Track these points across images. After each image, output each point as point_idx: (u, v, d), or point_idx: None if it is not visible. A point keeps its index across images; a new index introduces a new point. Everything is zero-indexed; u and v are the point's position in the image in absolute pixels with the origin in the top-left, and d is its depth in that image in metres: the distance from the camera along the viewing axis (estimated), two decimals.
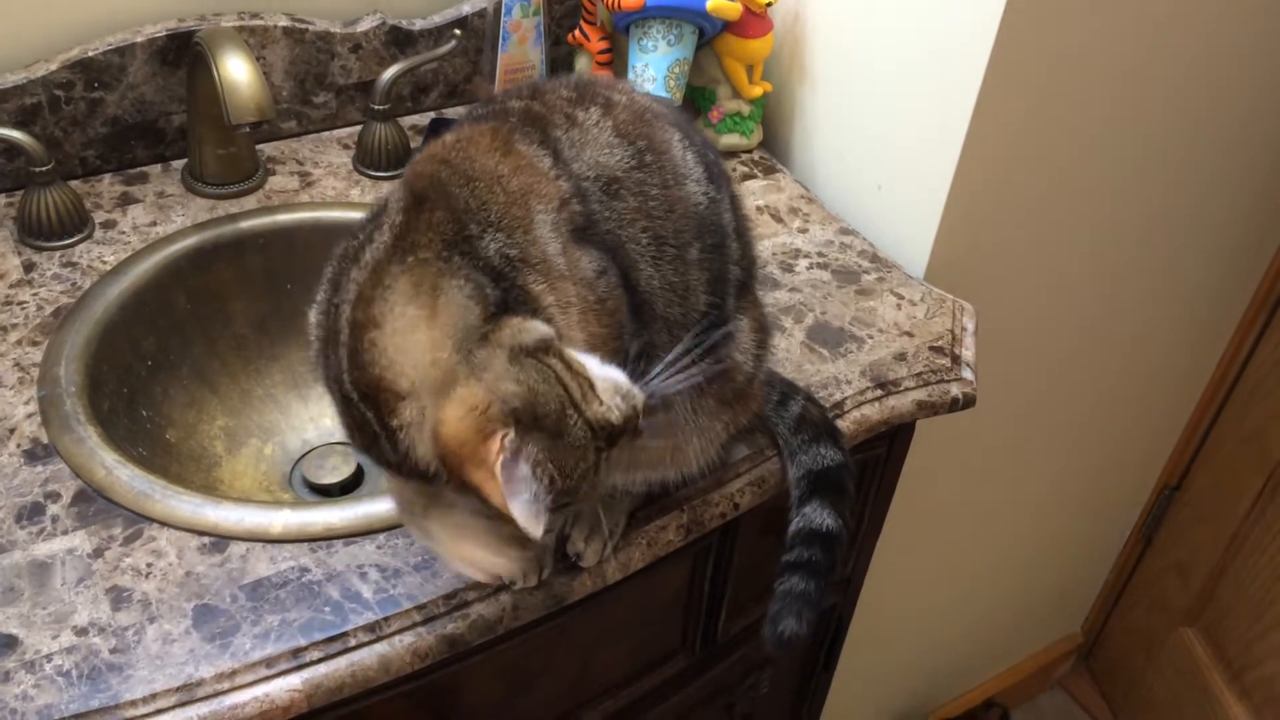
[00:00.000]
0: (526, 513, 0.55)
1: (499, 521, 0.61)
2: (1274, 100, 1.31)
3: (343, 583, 0.75)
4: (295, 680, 0.70)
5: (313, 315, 0.65)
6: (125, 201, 1.07)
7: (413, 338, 0.57)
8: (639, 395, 0.59)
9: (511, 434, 0.55)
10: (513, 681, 0.89)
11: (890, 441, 1.05)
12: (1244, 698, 1.72)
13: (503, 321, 0.57)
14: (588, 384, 0.58)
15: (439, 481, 0.59)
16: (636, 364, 0.67)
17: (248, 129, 0.95)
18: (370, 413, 0.59)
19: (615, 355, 0.65)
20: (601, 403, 0.58)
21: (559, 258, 0.62)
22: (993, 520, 1.65)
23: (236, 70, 0.94)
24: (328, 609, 0.73)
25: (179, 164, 1.11)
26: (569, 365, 0.58)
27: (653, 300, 0.69)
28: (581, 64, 1.25)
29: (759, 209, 1.16)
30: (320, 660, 0.71)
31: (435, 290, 0.57)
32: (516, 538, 0.66)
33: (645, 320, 0.68)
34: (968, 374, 0.99)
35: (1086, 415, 1.59)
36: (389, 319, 0.58)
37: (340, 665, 0.71)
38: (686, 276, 0.70)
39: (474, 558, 0.69)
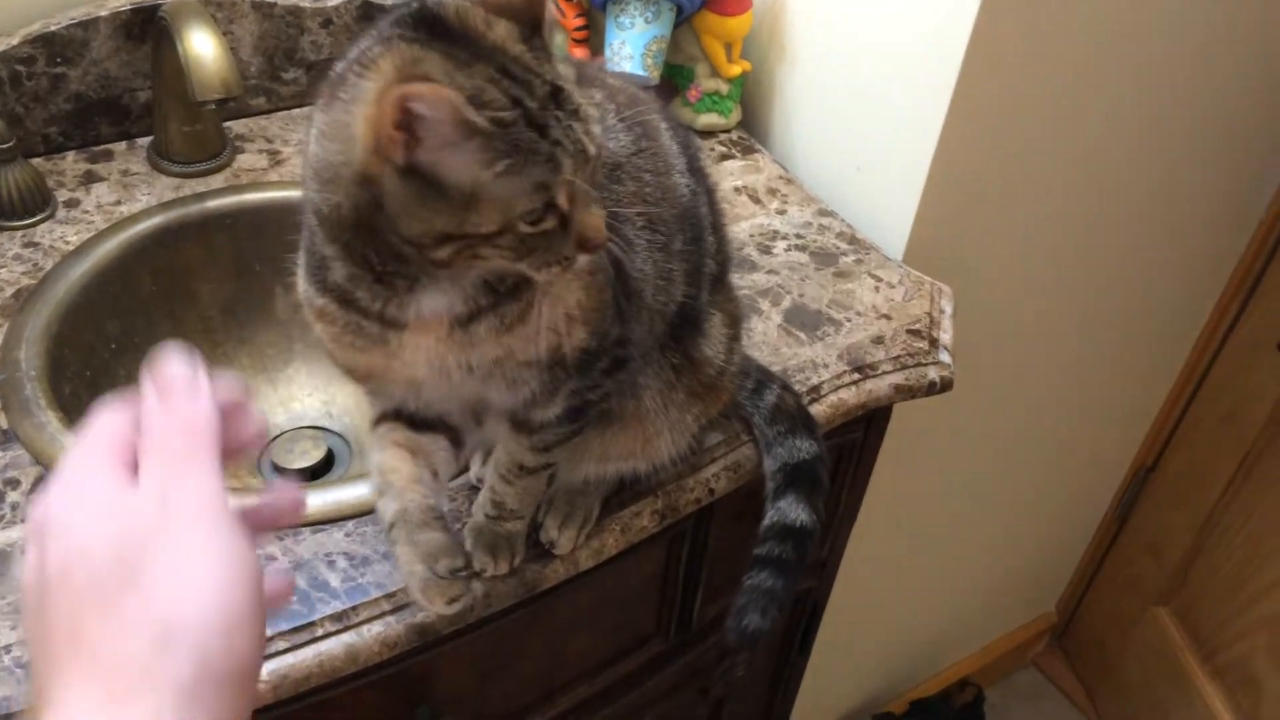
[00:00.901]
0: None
1: None
2: (1252, 84, 1.31)
3: (310, 571, 0.74)
4: (261, 671, 0.68)
5: None
6: (89, 180, 1.04)
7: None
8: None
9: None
10: (485, 669, 0.88)
11: (867, 425, 1.04)
12: (1216, 678, 1.74)
13: None
14: None
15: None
16: (613, 354, 0.66)
17: (214, 106, 0.93)
18: None
19: (596, 335, 0.64)
20: None
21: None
22: (968, 501, 1.65)
23: (202, 45, 0.91)
24: (294, 598, 0.72)
25: (144, 141, 1.09)
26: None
27: (643, 288, 0.68)
28: (557, 41, 1.23)
29: (737, 190, 1.15)
30: (286, 650, 0.70)
31: None
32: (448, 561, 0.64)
33: (633, 311, 0.68)
34: (945, 357, 0.98)
35: (1062, 397, 1.59)
36: None
37: (307, 655, 0.70)
38: (670, 266, 0.70)
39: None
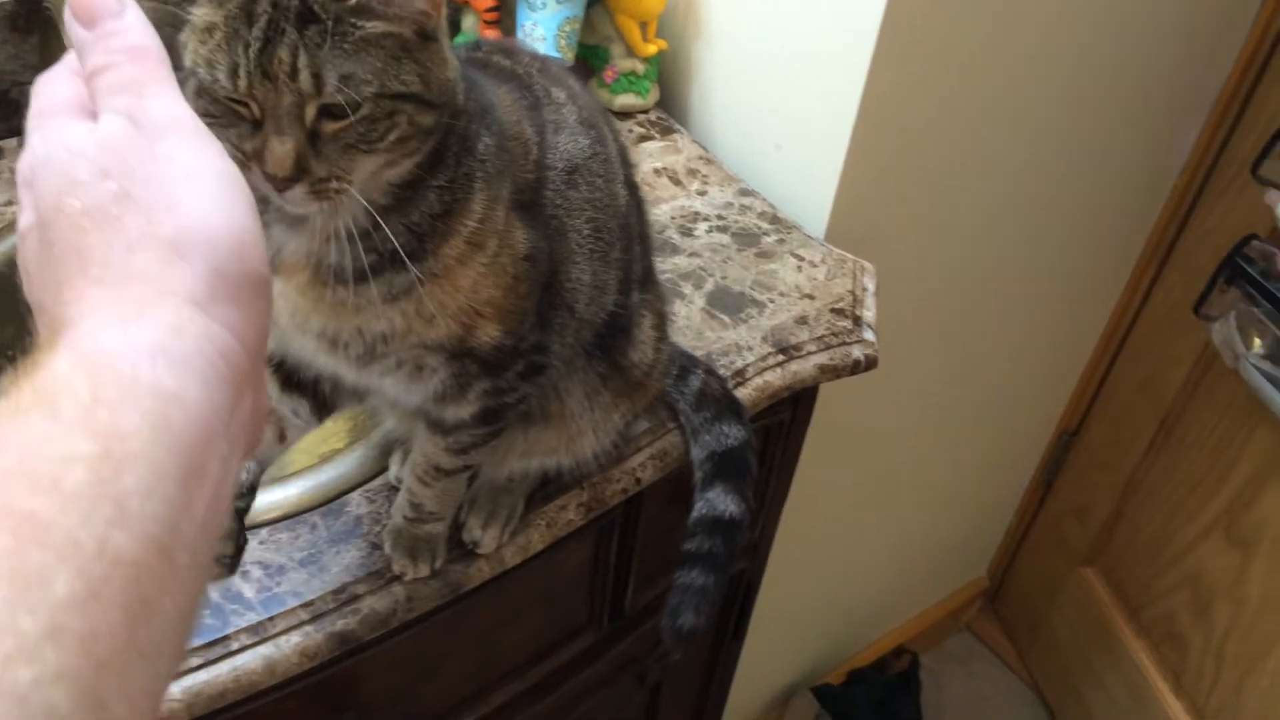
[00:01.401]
0: None
1: None
2: (1162, 54, 1.32)
3: (222, 583, 0.71)
4: (173, 689, 0.66)
5: None
6: None
7: None
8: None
9: None
10: (412, 670, 0.86)
11: (794, 406, 1.03)
12: (1142, 634, 1.78)
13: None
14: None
15: None
16: (530, 359, 0.65)
17: None
18: None
19: (511, 335, 0.62)
20: None
21: (502, 213, 0.60)
22: (898, 474, 1.67)
23: None
24: (206, 612, 0.69)
25: None
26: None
27: (576, 298, 0.67)
28: (468, 23, 1.20)
29: (657, 171, 1.13)
30: (200, 667, 0.67)
31: None
32: None
33: (560, 320, 0.66)
34: (869, 335, 0.98)
35: (986, 367, 1.61)
36: None
37: (222, 671, 0.67)
38: (605, 276, 0.70)
39: None
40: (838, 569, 1.74)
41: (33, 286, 0.39)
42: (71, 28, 0.41)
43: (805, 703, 1.85)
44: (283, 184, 0.49)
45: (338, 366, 0.62)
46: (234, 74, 0.47)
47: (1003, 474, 1.95)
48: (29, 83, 1.04)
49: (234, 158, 0.42)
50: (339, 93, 0.48)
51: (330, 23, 0.47)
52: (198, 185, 0.38)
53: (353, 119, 0.49)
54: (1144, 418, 1.70)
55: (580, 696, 1.07)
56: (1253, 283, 1.34)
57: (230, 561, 0.63)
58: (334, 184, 0.50)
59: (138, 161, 0.38)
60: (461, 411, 0.64)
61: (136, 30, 0.41)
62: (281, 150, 0.48)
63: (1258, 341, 1.35)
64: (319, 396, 0.68)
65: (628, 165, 0.75)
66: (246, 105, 0.48)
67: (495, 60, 0.68)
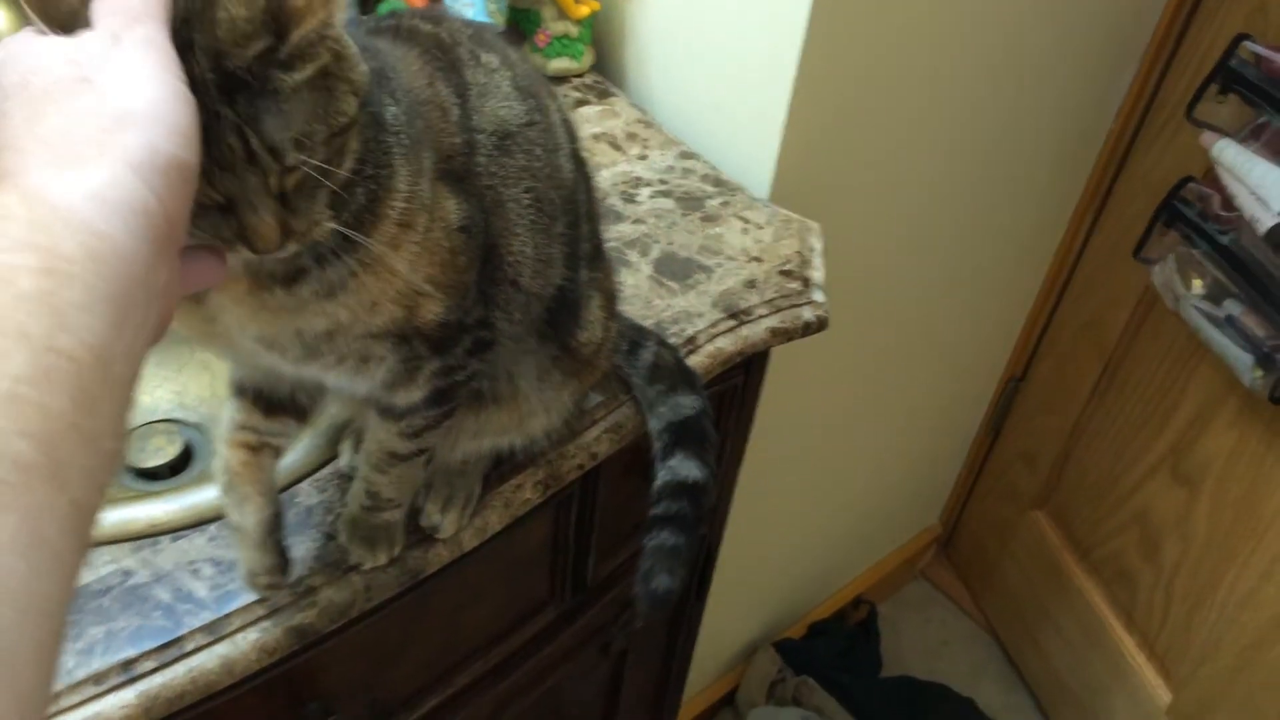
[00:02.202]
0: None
1: None
2: (1095, 3, 1.32)
3: (173, 583, 0.69)
4: (129, 695, 0.64)
5: None
6: None
7: None
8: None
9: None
10: (374, 658, 0.85)
11: (746, 370, 1.03)
12: (1093, 574, 1.81)
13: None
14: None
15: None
16: (476, 334, 0.63)
17: None
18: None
19: (454, 311, 0.60)
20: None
21: (428, 186, 0.57)
22: (849, 427, 1.67)
23: None
24: (158, 613, 0.68)
25: None
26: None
27: (520, 270, 0.65)
28: None
29: (595, 137, 1.11)
30: (155, 670, 0.65)
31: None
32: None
33: (504, 294, 0.64)
34: (819, 296, 0.98)
35: (930, 317, 1.62)
36: None
37: (178, 673, 0.66)
38: (550, 250, 0.68)
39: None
40: (793, 525, 1.75)
41: None
42: None
43: (767, 658, 1.87)
44: (259, 251, 0.49)
45: (277, 365, 0.60)
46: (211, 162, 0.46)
47: (951, 422, 1.98)
48: None
49: (215, 244, 0.47)
50: (298, 155, 0.46)
51: (258, 84, 0.45)
52: (152, 81, 0.42)
53: (313, 169, 0.47)
54: (1088, 361, 1.72)
55: (545, 671, 1.07)
56: (1190, 225, 1.36)
57: (278, 581, 0.68)
58: (315, 228, 0.50)
59: (109, 63, 0.42)
60: (412, 395, 0.63)
61: None
62: (266, 227, 0.48)
63: (1197, 282, 1.37)
64: (298, 407, 0.67)
65: (573, 138, 0.73)
66: (209, 194, 0.46)
67: (414, 25, 0.64)
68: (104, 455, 0.36)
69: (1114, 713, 1.80)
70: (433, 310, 0.59)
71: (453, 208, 0.59)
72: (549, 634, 1.04)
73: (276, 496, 0.67)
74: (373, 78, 0.53)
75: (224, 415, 0.67)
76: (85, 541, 0.36)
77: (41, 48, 0.42)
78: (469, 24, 0.69)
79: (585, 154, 0.75)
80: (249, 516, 0.65)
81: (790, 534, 1.77)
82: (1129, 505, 1.70)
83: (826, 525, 1.86)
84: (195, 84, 0.43)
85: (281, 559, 0.67)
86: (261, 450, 0.66)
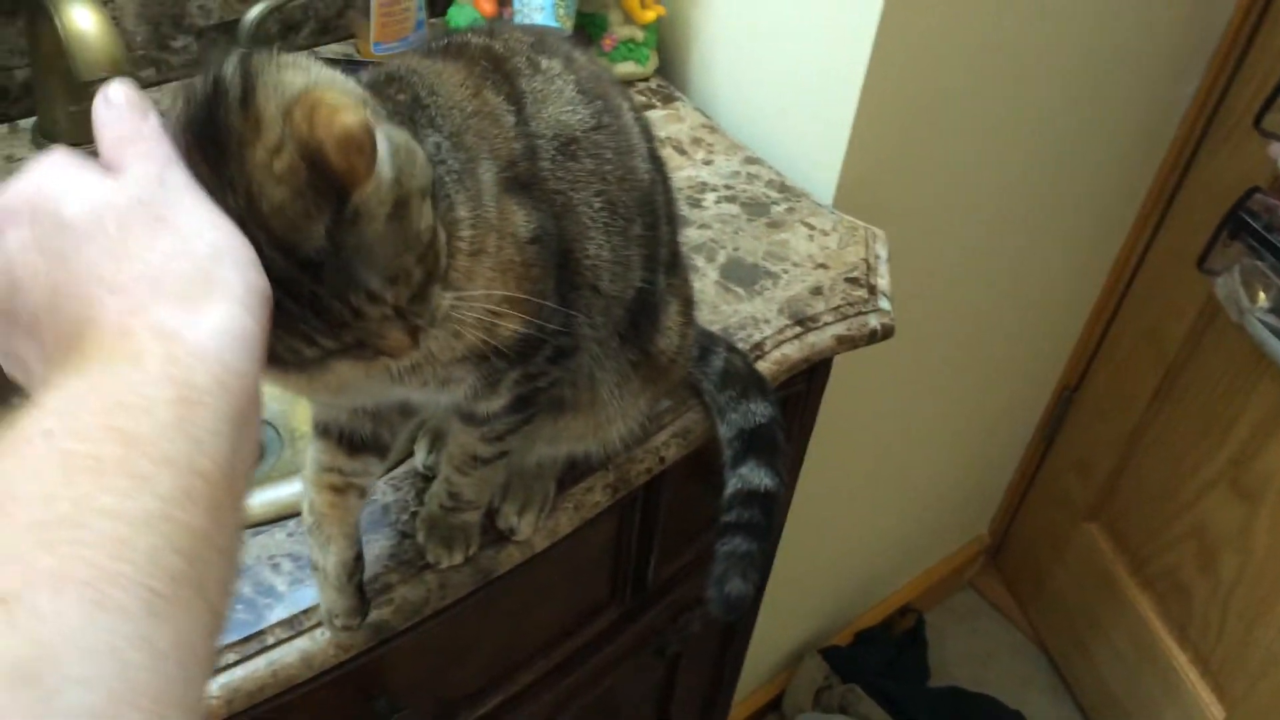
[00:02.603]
0: (385, 165, 0.47)
1: None
2: (1163, 9, 1.31)
3: (254, 577, 0.70)
4: (211, 686, 0.65)
5: None
6: None
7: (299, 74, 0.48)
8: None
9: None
10: (442, 656, 0.86)
11: (809, 377, 1.03)
12: (1147, 588, 1.79)
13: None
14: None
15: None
16: (557, 341, 0.63)
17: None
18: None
19: (527, 325, 0.60)
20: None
21: (492, 203, 0.57)
22: (900, 435, 1.67)
23: (82, 20, 0.85)
24: (240, 607, 0.69)
25: (27, 124, 1.02)
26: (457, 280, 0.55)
27: (599, 275, 0.65)
28: None
29: (661, 141, 1.11)
30: (237, 663, 0.66)
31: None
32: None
33: (583, 299, 0.64)
34: (884, 304, 0.97)
35: (988, 326, 1.61)
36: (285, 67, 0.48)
37: (259, 666, 0.67)
38: (628, 252, 0.67)
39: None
40: (842, 532, 1.75)
41: (16, 298, 0.42)
42: (99, 108, 0.47)
43: (814, 664, 1.86)
44: (414, 351, 0.51)
45: (359, 400, 0.62)
46: (321, 349, 0.48)
47: (1003, 431, 1.96)
48: (18, 68, 1.02)
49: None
50: (398, 290, 0.48)
51: (335, 254, 0.45)
52: (218, 219, 0.43)
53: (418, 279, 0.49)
54: (1146, 371, 1.70)
55: (603, 671, 1.07)
56: (1257, 236, 1.34)
57: (354, 624, 0.69)
58: (437, 311, 0.51)
59: (167, 198, 0.43)
60: (493, 404, 0.63)
61: (159, 129, 0.46)
62: (397, 343, 0.49)
63: (1262, 295, 1.35)
64: (380, 445, 0.67)
65: (649, 138, 0.72)
66: (338, 343, 0.49)
67: (465, 40, 0.64)
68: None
69: None
70: (511, 327, 0.59)
71: (521, 220, 0.58)
72: (609, 635, 1.04)
73: (359, 538, 0.68)
74: (407, 108, 0.53)
75: (308, 455, 0.67)
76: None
77: (101, 186, 0.42)
78: (531, 31, 0.69)
79: (660, 157, 0.75)
80: (331, 558, 0.66)
81: (839, 541, 1.76)
82: (1186, 518, 1.67)
83: (875, 533, 1.86)
84: (278, 277, 0.44)
85: (360, 601, 0.68)
86: (347, 491, 0.66)
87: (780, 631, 1.81)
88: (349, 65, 1.12)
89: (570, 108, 0.63)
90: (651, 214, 0.70)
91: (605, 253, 0.65)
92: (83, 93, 0.96)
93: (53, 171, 0.44)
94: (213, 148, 0.44)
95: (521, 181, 0.59)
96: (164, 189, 0.43)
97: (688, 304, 0.79)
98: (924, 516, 1.96)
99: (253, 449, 0.42)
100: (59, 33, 0.84)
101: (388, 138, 0.47)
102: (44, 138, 0.99)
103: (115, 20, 0.97)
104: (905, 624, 2.05)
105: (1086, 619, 1.93)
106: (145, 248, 0.41)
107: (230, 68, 0.46)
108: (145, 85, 1.08)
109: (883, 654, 1.92)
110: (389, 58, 1.14)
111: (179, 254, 0.41)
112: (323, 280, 0.45)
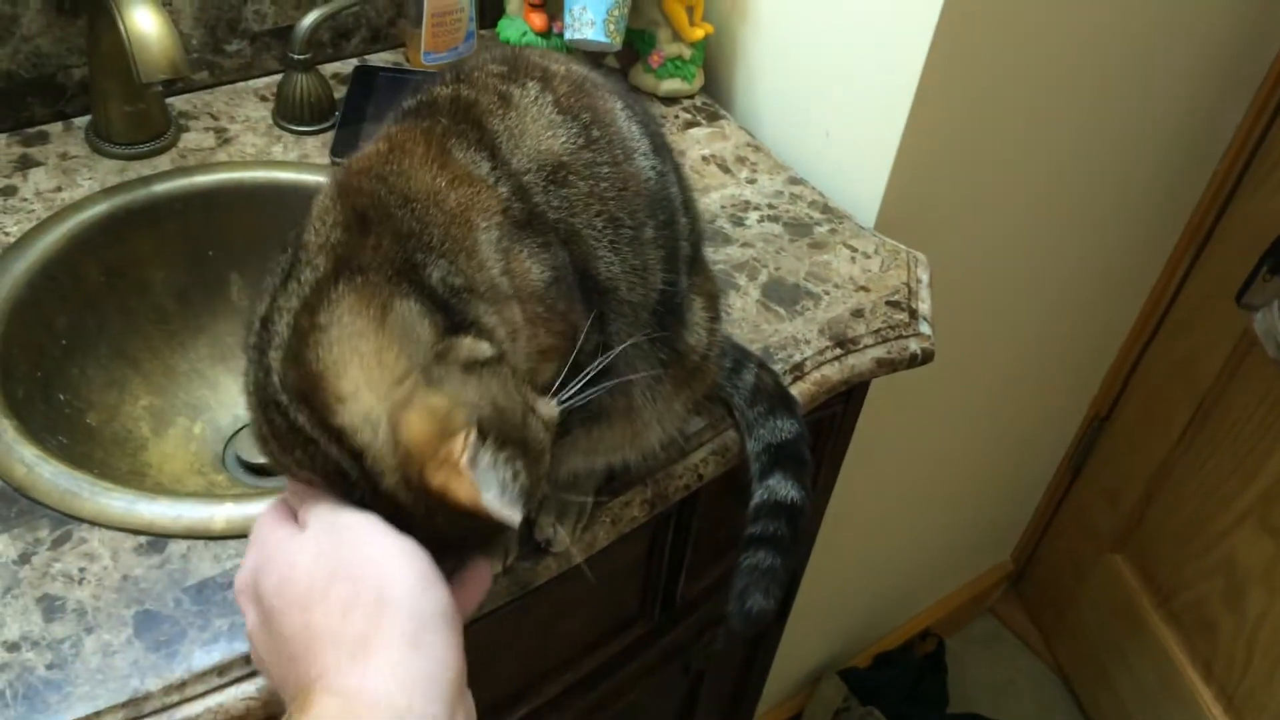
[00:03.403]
0: (500, 502, 0.52)
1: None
2: (1208, 42, 1.30)
3: None
4: (250, 688, 0.66)
5: (250, 330, 0.58)
6: (24, 165, 0.98)
7: (361, 343, 0.52)
8: (555, 408, 0.59)
9: (474, 433, 0.52)
10: (471, 665, 0.86)
11: (846, 400, 1.03)
12: (1172, 621, 1.78)
13: (454, 342, 0.54)
14: (528, 387, 0.58)
15: (388, 494, 0.54)
16: (594, 357, 0.63)
17: (160, 87, 0.88)
18: (303, 415, 0.53)
19: (564, 359, 0.61)
20: (545, 402, 0.58)
21: (504, 278, 0.57)
22: (927, 459, 1.66)
23: (144, 22, 0.86)
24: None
25: (82, 122, 1.03)
26: (515, 371, 0.57)
27: (616, 286, 0.64)
28: (513, 6, 1.19)
29: (705, 159, 1.12)
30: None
31: (385, 307, 0.53)
32: None
33: (609, 311, 0.64)
34: (925, 329, 0.97)
35: (1021, 354, 1.60)
36: (335, 325, 0.53)
37: None
38: (644, 257, 0.66)
39: None
40: (866, 554, 1.74)
41: (268, 669, 0.53)
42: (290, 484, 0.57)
43: (833, 686, 1.86)
44: None
45: None
46: None
47: (1031, 459, 1.95)
48: (75, 67, 1.03)
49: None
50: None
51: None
52: (383, 546, 0.50)
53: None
54: (1178, 403, 1.69)
55: (628, 686, 1.08)
56: None
57: None
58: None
59: (344, 547, 0.50)
60: None
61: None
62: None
63: None
64: None
65: (651, 132, 0.69)
66: None
67: (435, 95, 0.63)
68: None
69: None
70: (550, 370, 0.60)
71: (535, 272, 0.58)
72: (635, 649, 1.04)
73: None
74: (398, 259, 0.54)
75: None
76: None
77: (280, 554, 0.52)
78: (503, 59, 0.66)
79: (667, 146, 0.72)
80: None
81: (861, 562, 1.76)
82: (1214, 552, 1.66)
83: (898, 555, 1.85)
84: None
85: None
86: None
87: (800, 651, 1.80)
88: (369, 71, 1.13)
89: (551, 132, 0.62)
90: (666, 210, 0.69)
91: (617, 268, 0.64)
92: (139, 94, 0.98)
93: (257, 542, 0.54)
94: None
95: (519, 222, 0.59)
96: (334, 530, 0.51)
97: (713, 300, 0.77)
98: (948, 541, 1.95)
99: None
100: (120, 33, 0.86)
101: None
102: (98, 137, 1.00)
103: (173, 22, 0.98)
104: (926, 648, 2.04)
105: (1109, 650, 1.92)
106: (322, 609, 0.48)
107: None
108: (198, 88, 1.09)
109: (902, 677, 1.92)
110: (439, 67, 1.15)
111: (352, 604, 0.48)
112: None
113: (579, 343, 0.61)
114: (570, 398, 0.62)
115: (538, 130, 0.61)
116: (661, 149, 0.70)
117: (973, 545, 2.06)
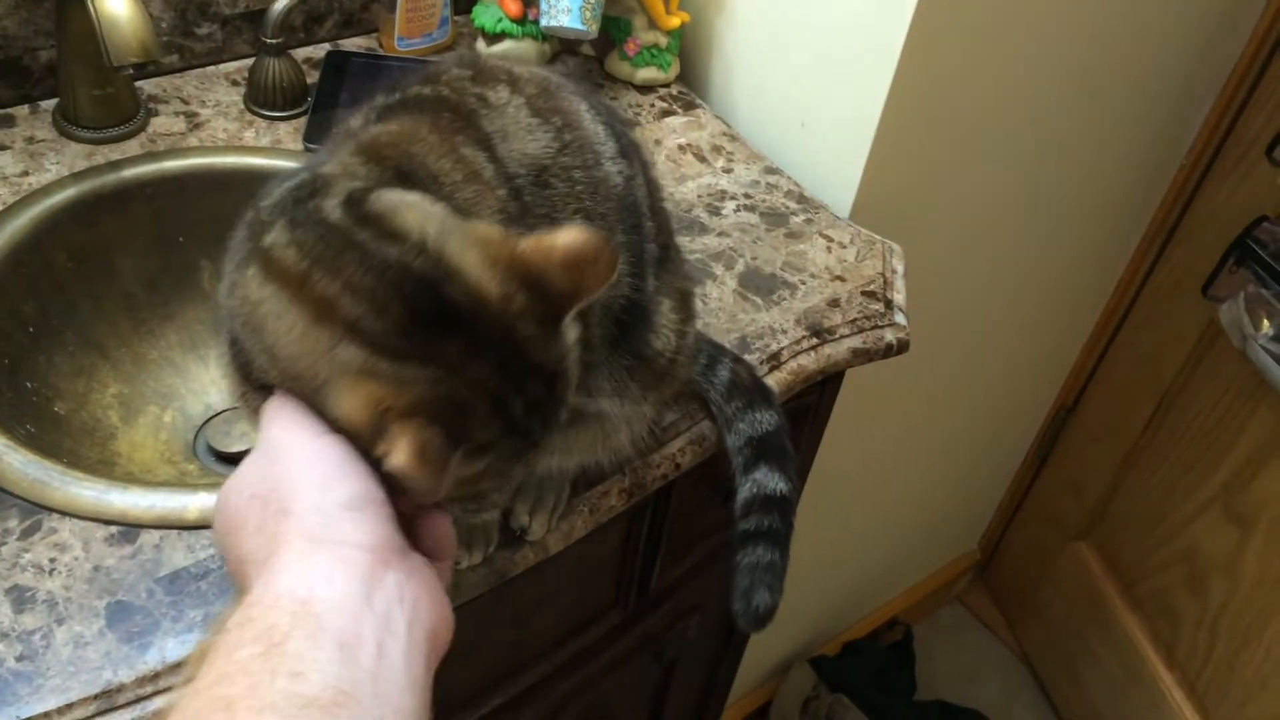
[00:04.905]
0: None
1: None
2: (1176, 35, 1.32)
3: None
4: None
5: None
6: None
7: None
8: None
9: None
10: (448, 651, 0.86)
11: (821, 389, 1.03)
12: (1136, 608, 1.80)
13: None
14: None
15: None
16: None
17: (130, 70, 0.87)
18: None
19: None
20: None
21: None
22: (894, 449, 1.67)
23: (114, 3, 0.85)
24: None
25: (49, 105, 1.01)
26: None
27: None
28: None
29: (681, 148, 1.12)
30: None
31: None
32: None
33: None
34: (900, 319, 0.98)
35: (988, 343, 1.61)
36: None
37: None
38: None
39: None
40: (835, 543, 1.75)
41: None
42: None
43: (802, 674, 1.87)
44: None
45: None
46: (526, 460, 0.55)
47: (997, 449, 1.97)
48: (42, 49, 1.01)
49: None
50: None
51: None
52: (293, 463, 0.50)
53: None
54: (1143, 394, 1.71)
55: (601, 675, 1.08)
56: (1263, 265, 1.35)
57: None
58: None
59: (264, 466, 0.51)
60: None
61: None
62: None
63: (1266, 323, 1.36)
64: None
65: (618, 133, 0.68)
66: None
67: (417, 94, 0.62)
68: None
69: None
70: None
71: None
72: (610, 639, 1.04)
73: None
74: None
75: None
76: None
77: (225, 485, 0.53)
78: (465, 63, 0.66)
79: (633, 145, 0.71)
80: None
81: (830, 551, 1.77)
82: (1177, 541, 1.69)
83: (866, 544, 1.86)
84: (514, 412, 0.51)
85: None
86: None
87: (769, 640, 1.80)
88: (341, 55, 1.12)
89: (532, 136, 0.61)
90: (633, 215, 0.68)
91: None
92: (109, 77, 0.96)
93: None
94: (443, 324, 0.48)
95: (513, 219, 0.58)
96: (264, 453, 0.52)
97: (685, 299, 0.76)
98: (916, 530, 1.96)
99: (383, 649, 0.44)
100: (90, 15, 0.84)
101: None
102: (66, 120, 0.99)
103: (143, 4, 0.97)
104: (893, 636, 2.06)
105: (1074, 638, 1.94)
106: (244, 534, 0.49)
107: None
108: (168, 72, 1.08)
109: (871, 665, 1.93)
110: (412, 53, 1.14)
111: (261, 523, 0.49)
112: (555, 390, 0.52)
113: None
114: None
115: (520, 133, 0.61)
116: (628, 150, 0.69)
117: (940, 534, 2.07)
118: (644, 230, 0.70)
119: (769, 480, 0.80)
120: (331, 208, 0.51)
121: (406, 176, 0.55)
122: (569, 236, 0.50)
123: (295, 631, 0.42)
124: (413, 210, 0.51)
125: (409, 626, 0.46)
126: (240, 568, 0.49)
